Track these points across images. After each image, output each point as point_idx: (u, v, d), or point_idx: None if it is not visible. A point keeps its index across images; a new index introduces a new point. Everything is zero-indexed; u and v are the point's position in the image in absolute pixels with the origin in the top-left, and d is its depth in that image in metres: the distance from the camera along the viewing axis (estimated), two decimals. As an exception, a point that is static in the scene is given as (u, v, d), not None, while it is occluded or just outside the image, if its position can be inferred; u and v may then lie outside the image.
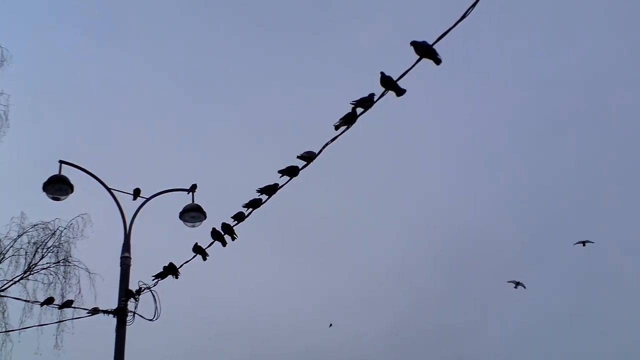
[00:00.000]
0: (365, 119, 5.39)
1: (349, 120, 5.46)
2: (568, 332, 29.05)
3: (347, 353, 29.46)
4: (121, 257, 10.21)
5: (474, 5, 4.47)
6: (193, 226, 10.75)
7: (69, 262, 14.69)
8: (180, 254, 9.42)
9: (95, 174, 10.61)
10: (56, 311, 13.15)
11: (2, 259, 14.30)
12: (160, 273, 9.72)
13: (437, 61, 4.86)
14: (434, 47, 4.74)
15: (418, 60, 4.79)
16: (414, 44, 4.82)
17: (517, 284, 23.51)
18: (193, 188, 11.08)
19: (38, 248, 14.60)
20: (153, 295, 9.77)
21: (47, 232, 14.75)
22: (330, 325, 26.19)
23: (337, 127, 5.57)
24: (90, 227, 14.87)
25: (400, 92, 5.22)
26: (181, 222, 10.74)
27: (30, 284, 14.43)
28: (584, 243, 23.97)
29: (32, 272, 14.48)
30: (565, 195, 34.89)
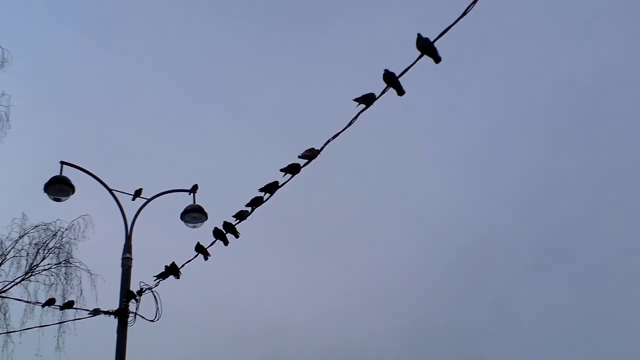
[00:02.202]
0: (369, 117, 5.37)
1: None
2: (590, 331, 28.86)
3: (367, 352, 29.31)
4: (122, 258, 10.21)
5: (474, 2, 4.48)
6: (194, 227, 10.76)
7: (70, 263, 14.70)
8: (181, 255, 9.45)
9: (96, 175, 10.62)
10: (57, 312, 13.11)
11: (3, 260, 14.31)
12: (162, 273, 9.73)
13: (437, 59, 4.86)
14: (435, 44, 4.74)
15: (419, 57, 4.79)
16: (419, 36, 4.81)
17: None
18: (194, 189, 11.08)
19: (39, 249, 14.61)
20: (154, 296, 9.78)
21: (48, 233, 14.77)
22: None
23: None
24: (92, 228, 14.88)
25: (400, 91, 5.21)
26: (182, 222, 10.76)
27: (31, 285, 14.44)
28: None
29: (33, 273, 14.49)
30: (585, 193, 34.74)
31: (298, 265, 33.60)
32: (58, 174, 10.03)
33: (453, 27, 4.59)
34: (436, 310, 31.58)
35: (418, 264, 33.53)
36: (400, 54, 5.02)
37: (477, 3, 4.46)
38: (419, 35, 4.81)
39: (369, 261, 33.39)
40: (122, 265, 10.17)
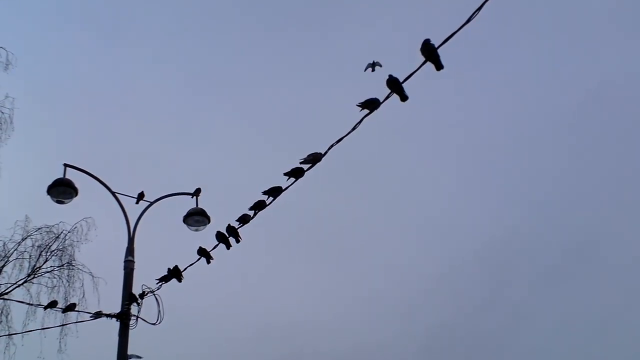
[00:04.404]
0: (378, 120, 5.36)
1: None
2: (610, 336, 28.57)
3: (384, 355, 29.24)
4: (125, 261, 10.19)
5: (479, 9, 4.48)
6: (197, 230, 10.75)
7: (73, 266, 14.73)
8: (184, 258, 9.45)
9: (99, 178, 10.62)
10: (59, 315, 13.14)
11: (6, 262, 14.34)
12: (164, 276, 9.72)
13: (439, 67, 4.86)
14: (442, 49, 4.74)
15: (423, 63, 4.79)
16: (425, 42, 4.79)
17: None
18: (197, 192, 11.07)
19: (42, 251, 14.65)
20: (156, 299, 9.76)
21: (51, 236, 14.81)
22: None
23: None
24: (94, 231, 14.94)
25: (403, 97, 5.20)
26: (185, 226, 10.75)
27: (34, 287, 14.51)
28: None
29: (35, 276, 14.52)
30: (606, 196, 34.53)
31: (317, 268, 33.65)
32: (61, 176, 10.04)
33: (460, 31, 4.59)
34: (454, 314, 31.51)
35: (436, 267, 33.52)
36: (407, 59, 5.02)
37: (483, 9, 4.46)
38: (425, 40, 4.81)
39: (388, 265, 33.41)
40: (125, 268, 10.15)
